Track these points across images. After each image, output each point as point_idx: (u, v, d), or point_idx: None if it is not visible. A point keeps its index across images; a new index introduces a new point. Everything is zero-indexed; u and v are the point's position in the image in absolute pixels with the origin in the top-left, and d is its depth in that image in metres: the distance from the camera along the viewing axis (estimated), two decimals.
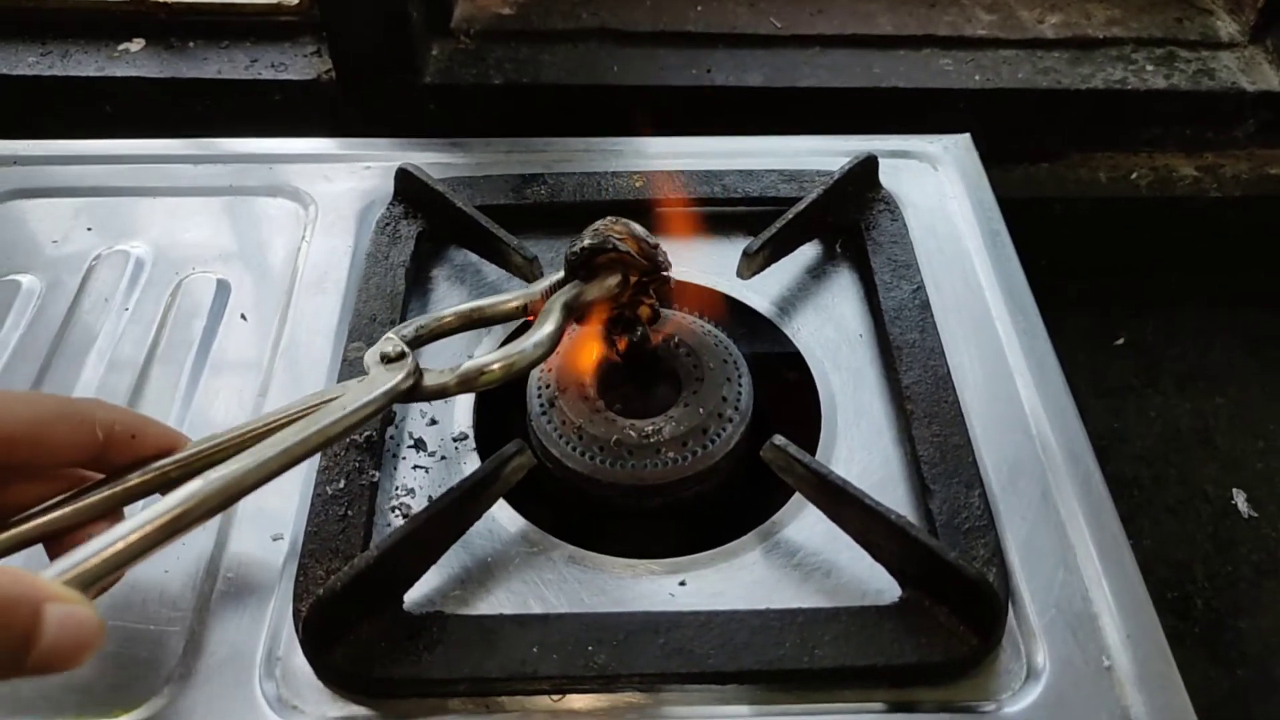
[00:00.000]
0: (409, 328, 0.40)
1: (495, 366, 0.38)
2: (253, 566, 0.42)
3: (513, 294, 0.42)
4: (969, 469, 0.43)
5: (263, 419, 0.36)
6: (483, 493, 0.40)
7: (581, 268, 0.41)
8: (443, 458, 0.45)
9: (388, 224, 0.53)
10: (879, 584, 0.40)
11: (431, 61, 0.68)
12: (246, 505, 0.42)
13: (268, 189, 0.57)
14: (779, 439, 0.41)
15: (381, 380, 0.37)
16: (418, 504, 0.44)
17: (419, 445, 0.46)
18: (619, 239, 0.40)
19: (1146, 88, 0.69)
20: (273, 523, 0.43)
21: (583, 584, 0.41)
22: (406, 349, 0.38)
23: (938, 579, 0.38)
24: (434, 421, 0.47)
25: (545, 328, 0.39)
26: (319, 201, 0.56)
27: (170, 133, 0.62)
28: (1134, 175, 0.72)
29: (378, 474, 0.43)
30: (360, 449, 0.43)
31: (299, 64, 0.68)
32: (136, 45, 0.69)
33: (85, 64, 0.67)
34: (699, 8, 0.72)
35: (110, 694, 0.38)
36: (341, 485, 0.42)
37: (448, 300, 0.52)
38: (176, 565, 0.41)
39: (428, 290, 0.52)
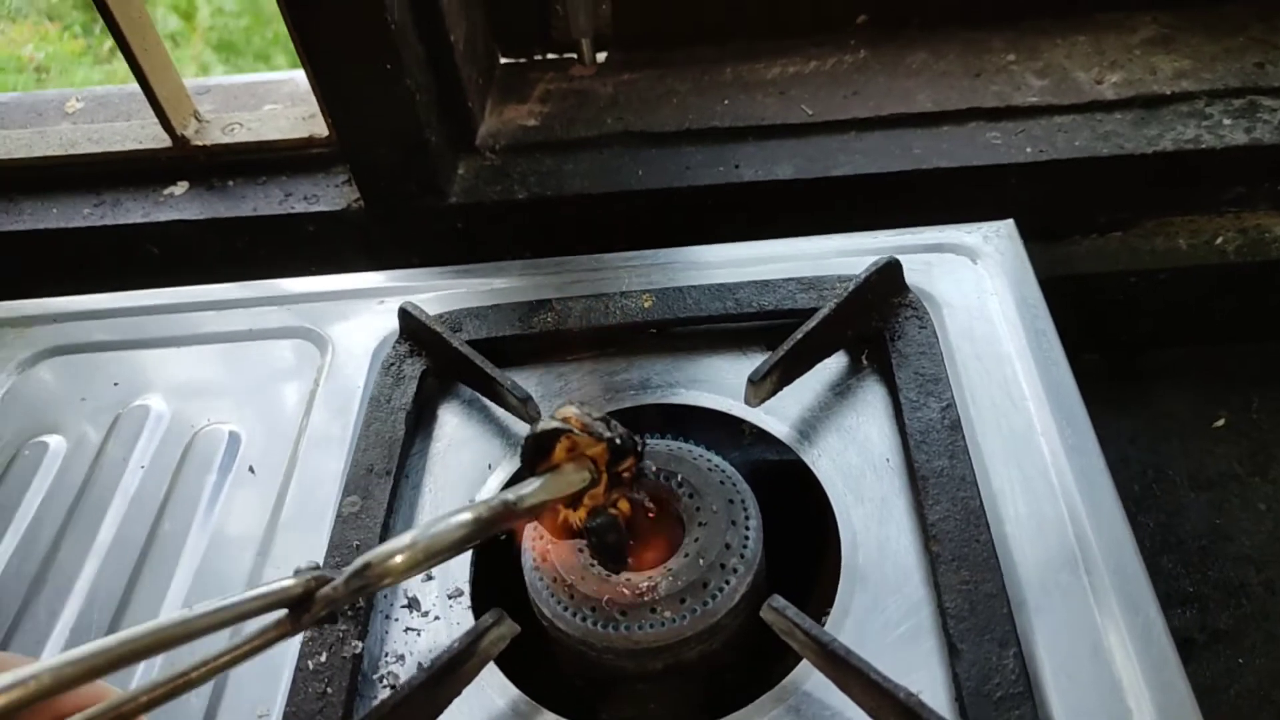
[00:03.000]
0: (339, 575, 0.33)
1: (397, 559, 0.32)
2: None
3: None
4: (1003, 623, 0.38)
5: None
6: (460, 668, 0.38)
7: (535, 460, 0.37)
8: (436, 618, 0.43)
9: (392, 364, 0.52)
10: None
11: (458, 180, 0.67)
12: (237, 679, 0.41)
13: (285, 331, 0.57)
14: (777, 600, 0.38)
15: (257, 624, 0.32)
16: (406, 672, 0.42)
17: (413, 605, 0.44)
18: (561, 420, 0.36)
19: (1225, 144, 0.62)
20: (259, 699, 0.41)
21: None
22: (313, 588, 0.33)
23: None
24: (429, 577, 0.45)
25: (465, 514, 0.34)
26: (335, 341, 0.56)
27: (212, 270, 0.64)
28: (1219, 240, 0.64)
29: (361, 645, 0.41)
30: (346, 617, 0.42)
31: (330, 194, 0.69)
32: (180, 188, 0.71)
33: (133, 210, 0.70)
34: (726, 101, 0.69)
35: None
36: (323, 659, 0.41)
37: (452, 442, 0.50)
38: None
39: (432, 430, 0.51)
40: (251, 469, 0.50)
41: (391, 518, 0.46)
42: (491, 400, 0.50)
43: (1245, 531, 0.61)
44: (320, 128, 0.70)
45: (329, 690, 0.40)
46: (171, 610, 0.45)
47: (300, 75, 0.75)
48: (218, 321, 0.58)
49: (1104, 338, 0.69)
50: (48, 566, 0.47)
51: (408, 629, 0.43)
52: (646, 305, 0.52)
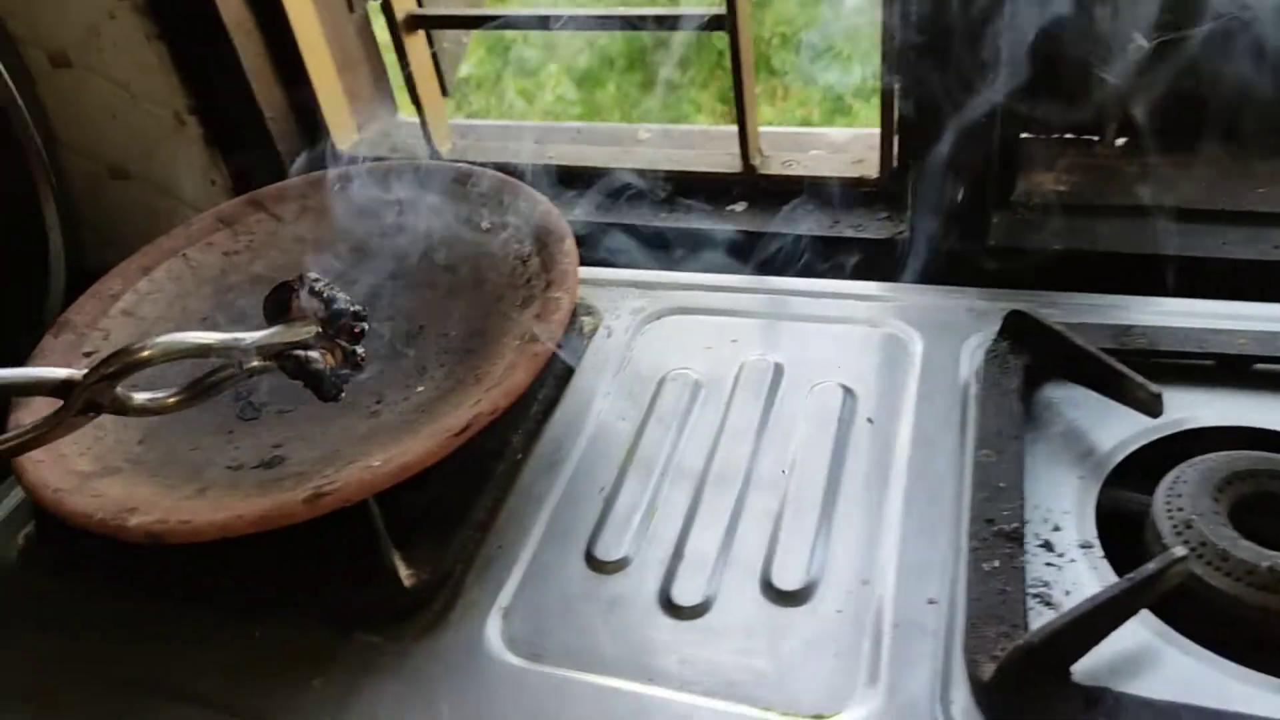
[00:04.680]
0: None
1: (143, 354, 0.44)
2: (913, 623, 0.48)
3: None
4: None
5: None
6: (1147, 589, 0.44)
7: (276, 314, 0.50)
8: (1072, 560, 0.50)
9: (995, 356, 0.60)
10: None
11: (993, 229, 0.77)
12: (905, 570, 0.50)
13: (870, 320, 0.67)
14: None
15: None
16: (1055, 594, 0.48)
17: (1047, 546, 0.51)
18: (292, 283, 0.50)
19: None
20: (926, 589, 0.50)
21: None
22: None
23: None
24: (1058, 528, 0.52)
25: (200, 336, 0.47)
26: (915, 333, 0.65)
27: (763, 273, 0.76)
28: None
29: (1024, 561, 0.49)
30: (1008, 538, 0.50)
31: (873, 226, 0.80)
32: (740, 206, 0.85)
33: (705, 219, 0.84)
34: (1261, 189, 0.75)
35: (810, 701, 0.46)
36: (996, 565, 0.48)
37: (1055, 419, 0.57)
38: (850, 608, 0.49)
39: (1034, 414, 0.58)
40: (870, 420, 0.60)
41: (1020, 471, 0.53)
42: (1108, 395, 0.57)
43: None
44: (869, 171, 0.82)
45: (1008, 589, 0.47)
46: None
47: (836, 131, 0.88)
48: (806, 306, 0.70)
49: None
50: (710, 469, 0.59)
51: (1047, 564, 0.50)
52: (1241, 342, 0.58)
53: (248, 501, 0.50)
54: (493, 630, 0.52)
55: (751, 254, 0.83)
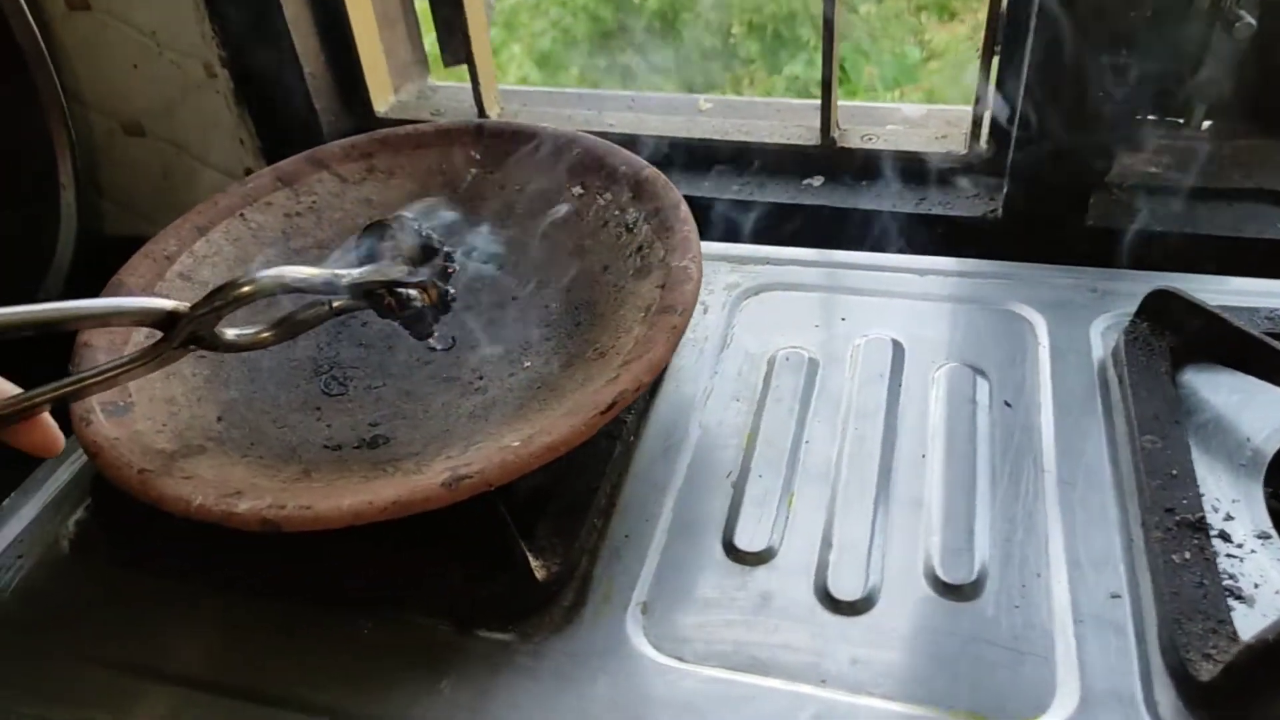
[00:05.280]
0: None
1: (246, 288, 0.45)
2: (1099, 619, 0.45)
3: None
4: None
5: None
6: None
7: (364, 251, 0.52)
8: (1252, 551, 0.47)
9: (1136, 338, 0.57)
10: None
11: (1090, 208, 0.74)
12: (1078, 562, 0.46)
13: (982, 299, 0.64)
14: None
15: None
16: (1244, 587, 0.46)
17: (1224, 536, 0.48)
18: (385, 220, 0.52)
19: None
20: (1105, 583, 0.46)
21: None
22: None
23: None
24: (1230, 517, 0.49)
25: (303, 269, 0.49)
26: (1035, 315, 0.62)
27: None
28: None
29: (1214, 553, 0.46)
30: (1193, 528, 0.47)
31: (962, 203, 0.77)
32: (817, 181, 0.81)
33: (779, 193, 0.80)
34: None
35: (1007, 705, 0.42)
36: (1188, 556, 0.45)
37: (1203, 405, 0.55)
38: (1025, 603, 0.46)
39: (1185, 397, 0.56)
40: (1007, 403, 0.57)
41: (1189, 457, 0.50)
42: (1268, 379, 0.54)
43: None
44: (955, 146, 0.78)
45: (1205, 582, 0.44)
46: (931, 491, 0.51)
47: (910, 106, 0.85)
48: (912, 283, 0.66)
49: None
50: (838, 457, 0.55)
51: (1228, 555, 0.47)
52: None
53: (373, 485, 0.44)
54: (634, 627, 0.47)
55: (833, 230, 0.79)
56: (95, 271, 0.89)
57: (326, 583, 0.50)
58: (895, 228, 0.77)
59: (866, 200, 0.78)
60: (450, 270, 0.56)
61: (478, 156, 0.68)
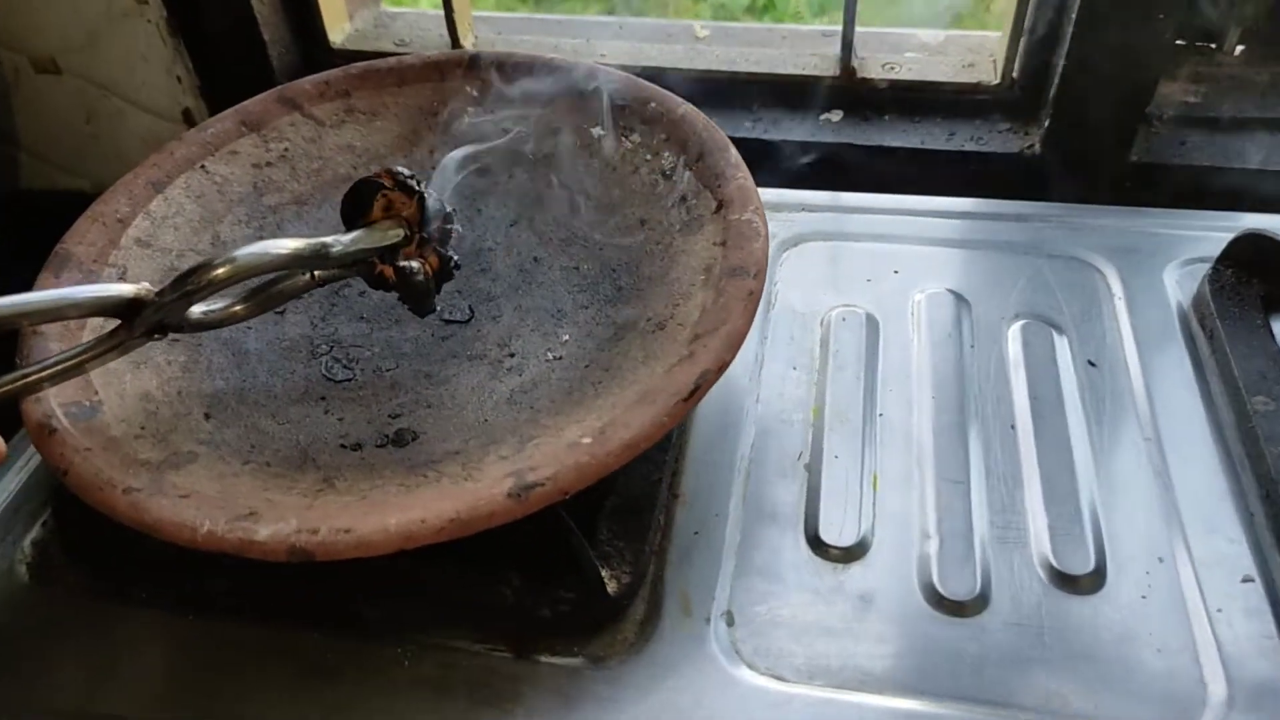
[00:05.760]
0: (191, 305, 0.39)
1: (219, 271, 0.38)
2: (1238, 606, 0.41)
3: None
4: None
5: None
6: None
7: (354, 213, 0.44)
8: None
9: (1221, 286, 0.53)
10: None
11: (1134, 142, 0.69)
12: (1201, 542, 0.42)
13: (1040, 245, 0.59)
14: None
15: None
16: None
17: None
18: (376, 176, 0.43)
19: None
20: (1236, 566, 0.42)
21: None
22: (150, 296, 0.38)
23: None
24: None
25: (286, 244, 0.40)
26: (1102, 263, 0.57)
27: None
28: None
29: None
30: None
31: (995, 139, 0.71)
32: (836, 116, 0.74)
33: (794, 130, 0.73)
34: None
35: (1164, 709, 0.38)
36: None
37: None
38: (1154, 592, 0.41)
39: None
40: (1091, 363, 0.51)
41: None
42: None
43: None
44: (985, 76, 0.72)
45: None
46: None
47: (925, 32, 0.78)
48: (963, 229, 0.60)
49: None
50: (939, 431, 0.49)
51: None
52: None
53: (419, 498, 0.37)
54: (720, 641, 0.41)
55: (855, 170, 0.73)
56: (11, 232, 0.78)
57: (346, 605, 0.43)
58: (924, 166, 0.71)
59: (892, 137, 0.72)
60: (451, 232, 0.48)
61: (474, 93, 0.59)
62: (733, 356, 0.41)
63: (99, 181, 0.85)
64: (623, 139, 0.55)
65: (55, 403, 0.41)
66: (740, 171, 0.49)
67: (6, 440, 0.38)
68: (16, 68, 0.78)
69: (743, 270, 0.44)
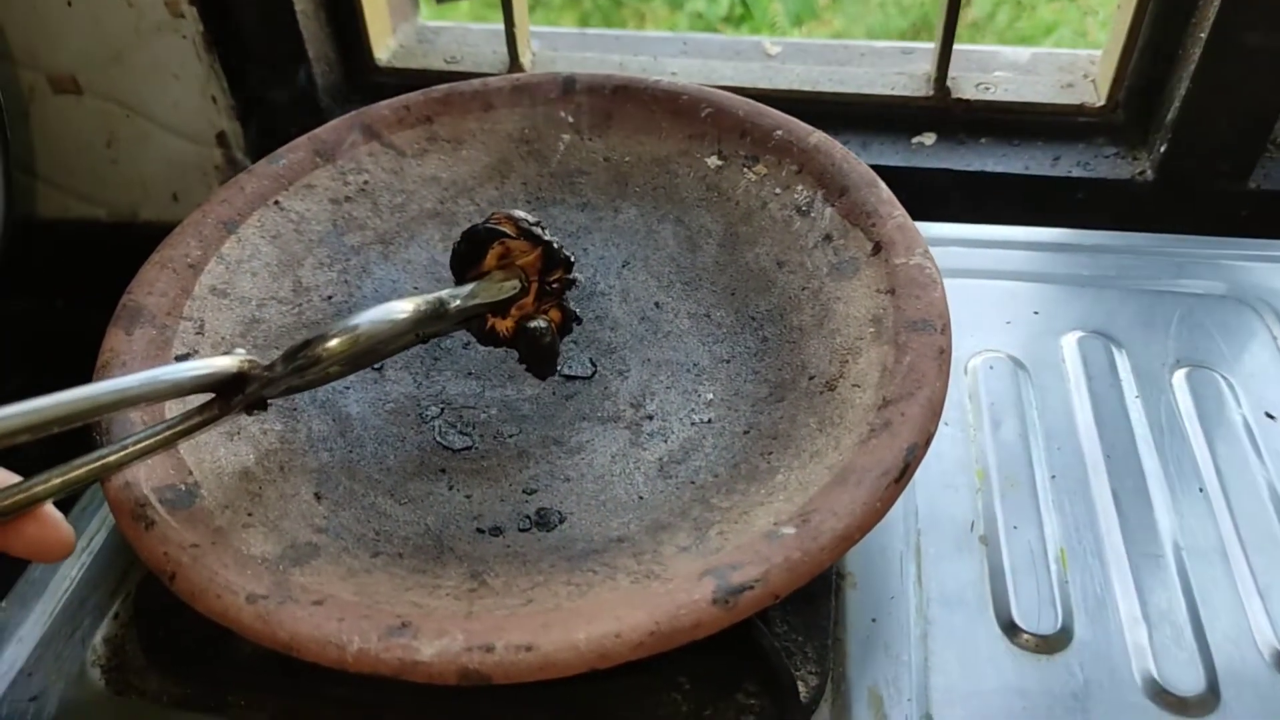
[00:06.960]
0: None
1: (334, 342, 0.34)
2: None
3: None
4: None
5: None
6: None
7: (465, 266, 0.40)
8: None
9: None
10: None
11: (1255, 169, 0.65)
12: None
13: (1184, 280, 0.54)
14: None
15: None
16: None
17: None
18: (495, 223, 0.40)
19: None
20: None
21: None
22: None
23: None
24: None
25: (402, 305, 0.37)
26: (1258, 303, 0.53)
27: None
28: None
29: None
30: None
31: (1103, 164, 0.67)
32: (929, 139, 0.69)
33: (885, 154, 0.68)
34: None
35: None
36: None
37: None
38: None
39: None
40: (1270, 415, 0.47)
41: None
42: None
43: None
44: (1088, 97, 0.68)
45: None
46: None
47: (1012, 50, 0.74)
48: (1097, 264, 0.56)
49: None
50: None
51: None
52: None
53: (602, 601, 0.31)
54: None
55: (952, 197, 0.68)
56: (26, 265, 0.71)
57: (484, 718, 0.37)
58: (1029, 193, 0.67)
59: (993, 161, 0.68)
60: (574, 282, 0.43)
61: (570, 119, 0.53)
62: (936, 427, 0.36)
63: (116, 210, 0.79)
64: (745, 169, 0.50)
65: (148, 488, 0.35)
66: (896, 209, 0.45)
67: (65, 514, 0.33)
68: (33, 87, 0.72)
69: (926, 324, 0.39)
